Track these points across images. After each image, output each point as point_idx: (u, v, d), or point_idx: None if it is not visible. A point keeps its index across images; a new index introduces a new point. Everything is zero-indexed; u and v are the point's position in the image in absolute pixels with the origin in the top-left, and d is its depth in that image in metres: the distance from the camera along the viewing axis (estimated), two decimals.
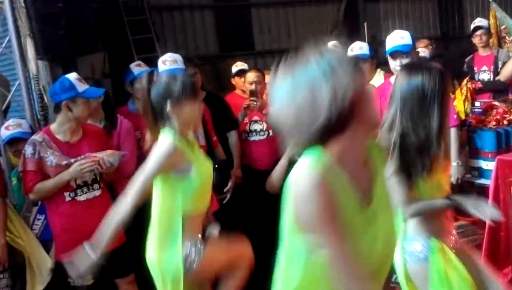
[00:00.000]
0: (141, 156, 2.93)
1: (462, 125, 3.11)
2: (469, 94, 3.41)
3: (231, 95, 3.90)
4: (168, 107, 1.96)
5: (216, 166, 2.88)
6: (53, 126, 2.51)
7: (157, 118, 2.01)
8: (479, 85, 3.74)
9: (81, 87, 2.43)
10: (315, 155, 1.10)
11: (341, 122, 1.03)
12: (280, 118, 1.09)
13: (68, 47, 3.21)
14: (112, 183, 2.71)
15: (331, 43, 3.50)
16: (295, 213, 1.09)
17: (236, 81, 4.01)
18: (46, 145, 2.42)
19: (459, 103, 3.34)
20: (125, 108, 3.25)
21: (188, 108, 1.98)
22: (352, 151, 1.11)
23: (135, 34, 6.02)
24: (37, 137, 2.48)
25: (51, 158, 2.41)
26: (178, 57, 2.99)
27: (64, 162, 2.42)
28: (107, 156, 2.47)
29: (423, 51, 3.47)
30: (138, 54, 5.67)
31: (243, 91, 3.79)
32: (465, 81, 3.51)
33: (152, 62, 4.10)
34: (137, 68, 3.22)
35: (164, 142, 1.96)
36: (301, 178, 1.07)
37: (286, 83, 1.06)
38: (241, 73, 3.98)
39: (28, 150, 2.42)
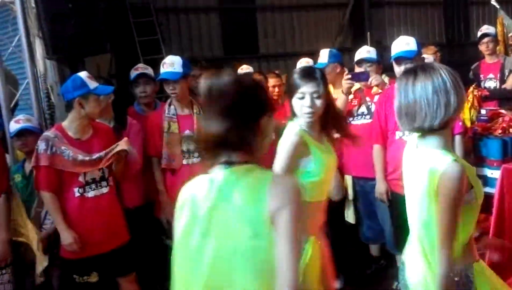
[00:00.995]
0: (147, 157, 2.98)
1: (468, 132, 3.11)
2: (475, 102, 3.41)
3: None
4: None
5: None
6: (64, 123, 2.54)
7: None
8: (486, 92, 3.73)
9: (92, 84, 2.48)
10: (440, 146, 1.53)
11: (451, 121, 1.52)
12: (412, 109, 1.52)
13: (76, 47, 3.23)
14: (119, 181, 2.73)
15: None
16: (442, 190, 1.46)
17: None
18: (59, 141, 2.45)
19: (465, 110, 3.33)
20: (131, 108, 3.28)
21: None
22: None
23: (141, 36, 6.05)
24: (49, 133, 2.51)
25: (68, 152, 2.43)
26: (176, 59, 2.97)
27: (80, 158, 2.44)
28: (123, 144, 2.52)
29: (428, 58, 3.48)
30: (144, 55, 5.70)
31: None
32: (471, 89, 3.51)
33: (157, 64, 4.14)
34: (134, 71, 3.25)
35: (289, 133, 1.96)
36: (452, 167, 1.46)
37: (423, 84, 1.51)
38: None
39: (41, 145, 2.44)
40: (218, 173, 1.31)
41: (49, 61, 3.49)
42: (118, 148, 2.51)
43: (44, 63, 3.56)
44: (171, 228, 3.02)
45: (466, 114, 3.30)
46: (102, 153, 2.49)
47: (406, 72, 1.60)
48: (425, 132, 1.55)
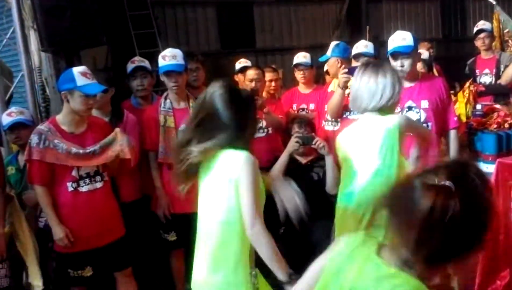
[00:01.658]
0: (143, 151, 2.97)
1: (462, 127, 3.12)
2: (471, 97, 3.42)
3: None
4: None
5: None
6: (58, 117, 2.53)
7: None
8: (482, 88, 3.75)
9: (82, 81, 2.42)
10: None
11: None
12: (365, 95, 2.09)
13: (72, 39, 3.21)
14: (114, 176, 2.72)
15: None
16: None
17: (238, 77, 4.02)
18: (53, 134, 2.43)
19: (461, 105, 3.34)
20: (127, 102, 3.26)
21: None
22: None
23: (137, 29, 6.01)
24: (42, 126, 2.49)
25: (61, 145, 2.42)
26: (177, 52, 2.94)
27: (74, 151, 2.43)
28: (120, 136, 2.51)
29: (422, 52, 3.48)
30: (140, 48, 5.67)
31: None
32: (467, 84, 3.52)
33: (153, 57, 4.11)
34: (131, 64, 3.23)
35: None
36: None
37: (375, 78, 2.09)
38: (244, 70, 3.99)
39: (34, 139, 2.43)
40: None
41: (45, 53, 3.47)
42: (118, 148, 2.48)
43: (39, 56, 3.54)
44: (168, 222, 3.04)
45: (462, 109, 3.31)
46: (96, 147, 2.48)
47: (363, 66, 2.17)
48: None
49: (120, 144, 2.51)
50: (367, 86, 2.10)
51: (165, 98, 2.97)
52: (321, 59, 3.55)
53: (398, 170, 2.01)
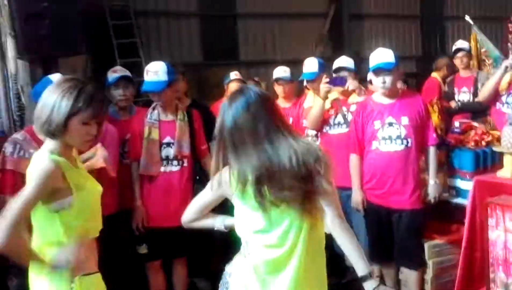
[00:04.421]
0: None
1: (442, 144, 3.16)
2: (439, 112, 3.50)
3: (219, 103, 3.88)
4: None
5: (198, 177, 2.84)
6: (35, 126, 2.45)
7: None
8: (446, 104, 3.86)
9: None
10: None
11: None
12: None
13: (50, 47, 3.15)
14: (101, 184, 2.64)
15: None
16: None
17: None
18: (28, 144, 2.36)
19: (433, 116, 3.43)
20: (106, 112, 3.20)
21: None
22: None
23: (119, 38, 5.96)
24: (18, 135, 2.43)
25: None
26: (160, 67, 2.84)
27: None
28: (100, 152, 2.43)
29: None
30: (121, 58, 5.61)
31: None
32: (435, 100, 3.60)
33: (134, 67, 4.07)
34: (112, 74, 3.15)
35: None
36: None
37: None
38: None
39: (8, 148, 2.36)
40: None
41: (21, 61, 3.39)
42: (98, 164, 2.41)
43: (16, 63, 3.46)
44: (140, 235, 2.97)
45: (437, 122, 3.39)
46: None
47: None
48: None
49: (96, 159, 2.43)
50: None
51: (153, 109, 2.91)
52: (307, 76, 3.55)
53: None
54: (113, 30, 5.94)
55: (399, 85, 3.93)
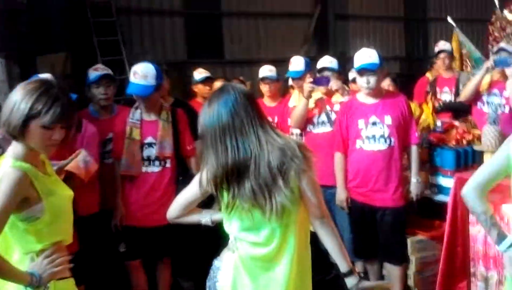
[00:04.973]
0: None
1: (424, 143, 3.19)
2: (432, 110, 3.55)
3: (192, 102, 3.84)
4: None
5: (181, 178, 2.80)
6: None
7: None
8: (440, 101, 3.91)
9: None
10: None
11: None
12: None
13: (27, 44, 3.08)
14: (72, 188, 2.58)
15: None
16: None
17: (199, 88, 3.94)
18: (7, 142, 2.29)
19: (428, 116, 3.47)
20: (86, 111, 3.14)
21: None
22: None
23: (100, 36, 5.86)
24: None
25: None
26: (150, 72, 2.72)
27: None
28: (82, 156, 2.37)
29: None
30: (103, 56, 5.52)
31: (205, 99, 3.76)
32: (429, 96, 3.65)
33: (116, 65, 4.01)
34: (94, 72, 3.09)
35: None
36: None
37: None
38: (207, 80, 3.92)
39: None
40: None
41: None
42: (70, 167, 2.34)
43: None
44: (119, 234, 2.92)
45: (430, 120, 3.43)
46: (55, 167, 2.33)
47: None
48: None
49: (73, 161, 2.36)
50: None
51: (136, 108, 2.84)
52: (293, 74, 3.54)
53: None
54: (95, 28, 5.83)
55: (388, 83, 3.94)
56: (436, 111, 3.72)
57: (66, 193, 1.71)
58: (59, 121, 1.54)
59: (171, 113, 2.87)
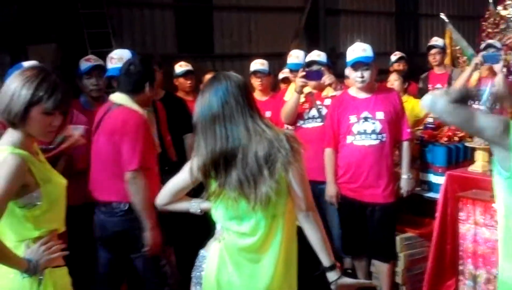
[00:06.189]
0: None
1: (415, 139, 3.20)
2: None
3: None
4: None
5: (166, 168, 2.78)
6: None
7: None
8: None
9: None
10: None
11: None
12: None
13: (18, 34, 3.03)
14: (69, 174, 2.56)
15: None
16: None
17: (180, 82, 3.88)
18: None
19: (415, 105, 3.50)
20: (76, 102, 3.09)
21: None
22: None
23: (90, 27, 5.78)
24: None
25: None
26: (125, 54, 2.79)
27: None
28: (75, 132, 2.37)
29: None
30: (93, 48, 5.44)
31: (187, 93, 3.76)
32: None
33: (106, 57, 3.94)
34: (85, 62, 3.07)
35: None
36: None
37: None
38: (188, 74, 3.87)
39: None
40: None
41: None
42: (80, 141, 2.34)
43: None
44: None
45: (417, 107, 3.49)
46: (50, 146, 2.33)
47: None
48: None
49: (74, 138, 2.39)
50: None
51: None
52: (292, 66, 3.57)
53: None
54: (84, 19, 5.75)
55: (394, 78, 3.90)
56: None
57: (61, 181, 1.73)
58: (60, 107, 1.57)
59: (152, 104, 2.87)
